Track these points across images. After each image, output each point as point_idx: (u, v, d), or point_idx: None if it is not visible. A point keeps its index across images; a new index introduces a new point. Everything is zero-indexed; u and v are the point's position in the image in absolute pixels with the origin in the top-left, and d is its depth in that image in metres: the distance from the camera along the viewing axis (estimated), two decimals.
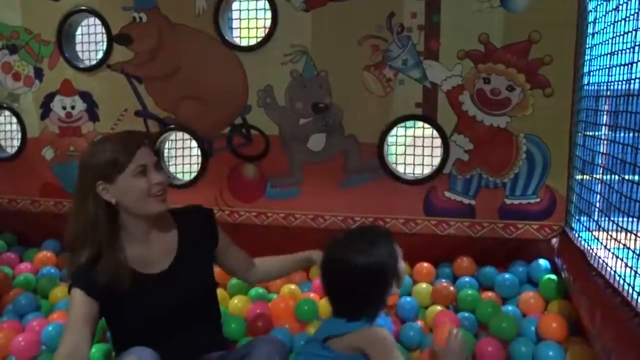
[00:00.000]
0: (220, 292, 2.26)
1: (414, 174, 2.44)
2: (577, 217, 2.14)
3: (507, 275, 2.26)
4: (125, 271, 1.54)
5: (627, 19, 1.62)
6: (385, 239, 1.48)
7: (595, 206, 1.92)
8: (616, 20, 1.73)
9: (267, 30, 2.42)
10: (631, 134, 1.56)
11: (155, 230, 1.63)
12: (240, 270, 1.90)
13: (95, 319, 1.53)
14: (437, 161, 2.38)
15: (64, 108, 2.70)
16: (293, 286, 2.33)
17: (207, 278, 1.75)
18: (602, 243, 1.79)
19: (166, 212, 1.64)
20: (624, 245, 1.58)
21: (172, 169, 2.69)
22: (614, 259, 1.66)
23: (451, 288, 2.21)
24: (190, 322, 1.65)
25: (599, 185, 1.88)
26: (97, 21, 2.61)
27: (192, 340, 1.65)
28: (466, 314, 2.08)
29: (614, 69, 1.75)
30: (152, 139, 1.72)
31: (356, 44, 2.33)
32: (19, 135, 2.82)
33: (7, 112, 2.83)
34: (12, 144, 2.90)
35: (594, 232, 1.91)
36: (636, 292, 1.48)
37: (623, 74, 1.66)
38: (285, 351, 1.56)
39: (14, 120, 2.81)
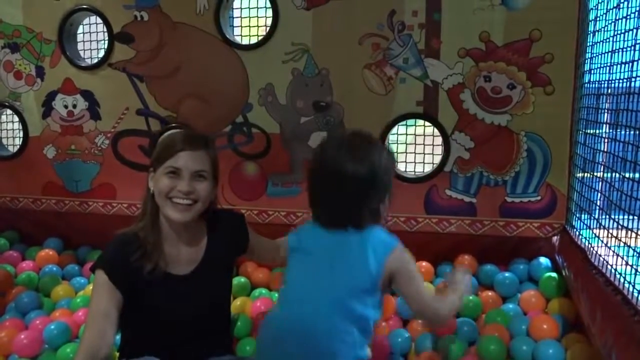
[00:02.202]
0: None
1: (414, 172, 2.44)
2: (577, 215, 2.14)
3: (506, 274, 2.26)
4: (158, 253, 1.56)
5: (628, 17, 1.62)
6: (379, 145, 1.44)
7: (595, 204, 1.92)
8: (617, 18, 1.73)
9: (268, 28, 2.42)
10: (632, 132, 1.57)
11: (186, 233, 1.63)
12: (267, 257, 1.97)
13: (119, 306, 1.53)
14: (438, 159, 2.39)
15: (66, 107, 2.71)
16: None
17: (225, 289, 1.76)
18: (602, 241, 1.79)
19: (197, 219, 1.62)
20: (625, 243, 1.58)
21: None
22: (615, 256, 1.67)
23: None
24: (202, 329, 1.64)
25: (600, 183, 1.88)
26: (99, 20, 2.61)
27: (202, 346, 1.64)
28: (466, 319, 2.08)
29: (614, 67, 1.75)
30: (212, 146, 1.66)
31: (357, 43, 2.33)
32: (21, 134, 2.83)
33: (8, 111, 2.83)
34: (14, 143, 2.90)
35: (594, 230, 1.91)
36: (637, 290, 1.49)
37: (624, 72, 1.66)
38: None
39: (16, 118, 2.82)
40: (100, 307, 1.51)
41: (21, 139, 2.83)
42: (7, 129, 2.92)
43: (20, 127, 2.82)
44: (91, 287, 2.18)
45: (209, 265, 1.65)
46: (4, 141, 2.93)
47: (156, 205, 1.60)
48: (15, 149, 2.86)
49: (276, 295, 2.31)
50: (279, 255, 1.95)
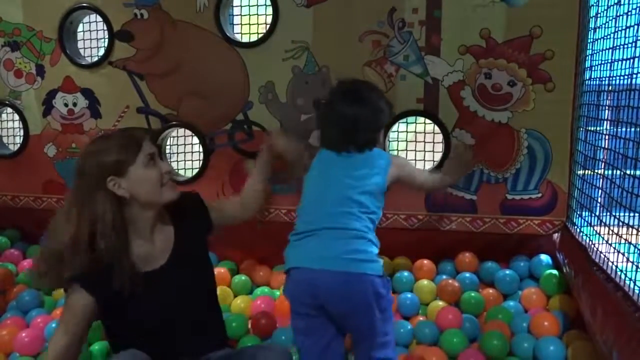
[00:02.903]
0: (223, 290, 2.27)
1: None
2: (578, 212, 2.14)
3: (507, 272, 2.26)
4: (137, 272, 1.55)
5: (629, 13, 1.62)
6: (379, 91, 1.83)
7: (596, 201, 1.92)
8: (618, 14, 1.72)
9: (268, 26, 2.42)
10: (632, 129, 1.56)
11: (158, 224, 1.64)
12: (236, 217, 1.99)
13: (91, 319, 1.56)
14: (438, 157, 2.38)
15: (66, 105, 2.71)
16: None
17: (206, 268, 1.76)
18: (603, 238, 1.79)
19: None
20: (625, 240, 1.58)
21: (173, 165, 2.69)
22: (616, 253, 1.67)
23: (456, 284, 2.21)
24: (191, 318, 1.63)
25: (601, 180, 1.88)
26: (99, 18, 2.60)
27: (193, 339, 1.63)
28: (469, 316, 2.08)
29: (615, 63, 1.75)
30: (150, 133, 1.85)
31: (357, 40, 2.33)
32: (22, 133, 2.83)
33: (9, 109, 2.83)
34: (15, 141, 2.90)
35: (595, 227, 1.91)
36: (637, 286, 1.49)
37: (625, 68, 1.65)
38: None
39: (16, 117, 2.81)
40: (72, 321, 1.53)
41: (22, 138, 2.83)
42: (7, 128, 2.91)
43: (21, 126, 2.82)
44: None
45: (182, 249, 1.66)
46: (5, 140, 2.93)
47: (122, 215, 1.55)
48: (16, 147, 2.85)
49: (277, 293, 2.31)
50: (244, 210, 2.02)
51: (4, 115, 2.90)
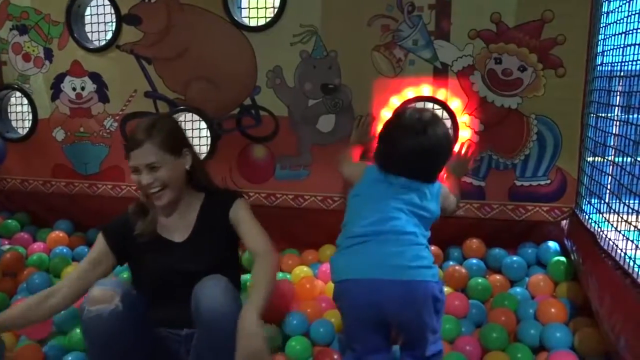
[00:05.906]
0: None
1: None
2: (587, 199, 2.12)
3: (514, 258, 2.26)
4: (154, 230, 1.78)
5: None
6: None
7: (606, 188, 1.91)
8: None
9: (276, 10, 2.40)
10: None
11: (177, 207, 1.80)
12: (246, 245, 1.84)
13: (104, 267, 1.78)
14: None
15: (74, 89, 2.71)
16: (305, 268, 2.35)
17: (220, 257, 1.79)
18: (612, 225, 1.78)
19: (190, 193, 1.81)
20: (635, 227, 1.57)
21: None
22: (624, 241, 1.66)
23: (463, 271, 2.21)
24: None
25: (610, 167, 1.87)
26: (106, 1, 2.59)
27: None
28: (476, 302, 2.08)
29: (627, 48, 1.72)
30: (157, 130, 1.69)
31: (366, 24, 2.30)
32: (30, 117, 2.84)
33: (18, 93, 2.84)
34: (24, 125, 2.91)
35: (604, 214, 1.90)
36: None
37: (637, 53, 1.63)
38: (231, 287, 1.58)
39: (25, 101, 2.82)
40: (83, 264, 1.79)
41: (30, 122, 2.84)
42: (16, 112, 2.92)
43: (30, 110, 2.83)
44: None
45: (200, 235, 1.79)
46: (14, 124, 2.94)
47: None
48: (25, 131, 2.86)
49: (289, 276, 2.31)
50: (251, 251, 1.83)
51: (12, 99, 2.91)
